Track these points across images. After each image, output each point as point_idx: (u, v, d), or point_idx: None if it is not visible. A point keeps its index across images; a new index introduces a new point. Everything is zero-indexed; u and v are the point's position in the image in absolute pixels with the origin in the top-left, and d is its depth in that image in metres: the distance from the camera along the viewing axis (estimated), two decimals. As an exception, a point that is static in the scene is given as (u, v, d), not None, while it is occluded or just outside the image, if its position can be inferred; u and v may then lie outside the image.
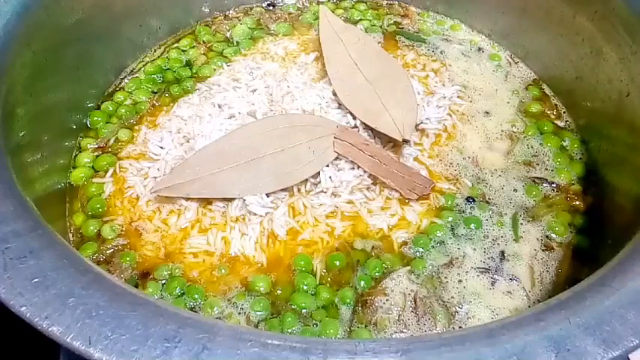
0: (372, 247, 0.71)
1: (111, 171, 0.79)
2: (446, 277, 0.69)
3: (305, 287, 0.67)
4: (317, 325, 0.65)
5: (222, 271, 0.69)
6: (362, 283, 0.68)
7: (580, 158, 0.83)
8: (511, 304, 0.68)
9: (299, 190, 0.75)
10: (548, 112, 0.89)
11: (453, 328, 0.65)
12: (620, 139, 0.75)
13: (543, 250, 0.73)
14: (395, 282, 0.69)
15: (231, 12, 1.04)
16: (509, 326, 0.45)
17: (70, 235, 0.73)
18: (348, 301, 0.66)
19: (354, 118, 0.80)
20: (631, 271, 0.49)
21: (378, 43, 0.96)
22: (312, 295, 0.67)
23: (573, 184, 0.79)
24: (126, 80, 0.91)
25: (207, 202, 0.74)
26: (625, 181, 0.72)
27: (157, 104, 0.88)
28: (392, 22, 1.02)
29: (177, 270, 0.69)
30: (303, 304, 0.66)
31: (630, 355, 0.45)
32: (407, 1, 1.06)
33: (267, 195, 0.73)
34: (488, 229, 0.74)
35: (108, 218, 0.74)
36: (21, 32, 0.67)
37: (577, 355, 0.42)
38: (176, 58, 0.95)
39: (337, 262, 0.69)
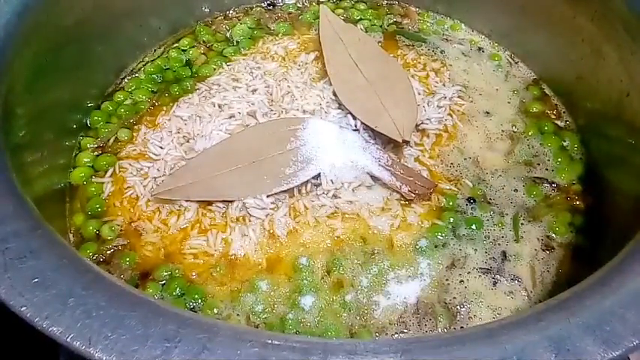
0: (373, 248, 0.71)
1: (110, 171, 0.79)
2: (447, 278, 0.69)
3: (305, 288, 0.67)
4: (317, 326, 0.65)
5: (223, 271, 0.69)
6: (363, 284, 0.68)
7: (580, 158, 0.83)
8: (512, 304, 0.68)
9: (299, 191, 0.75)
10: (549, 112, 0.89)
11: (455, 328, 0.65)
12: (620, 139, 0.75)
13: (544, 250, 0.73)
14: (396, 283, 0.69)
15: (231, 12, 1.04)
16: (509, 326, 0.45)
17: (70, 235, 0.73)
18: (349, 302, 0.66)
19: (354, 118, 0.80)
20: (631, 271, 0.49)
21: (378, 43, 0.96)
22: (313, 296, 0.67)
23: (573, 184, 0.79)
24: (126, 80, 0.91)
25: (207, 202, 0.74)
26: (625, 181, 0.72)
27: (156, 104, 0.88)
28: (392, 22, 1.02)
29: (177, 270, 0.69)
30: (304, 306, 0.66)
31: (630, 355, 0.45)
32: (407, 1, 1.05)
33: (268, 196, 0.73)
34: (490, 230, 0.74)
35: (107, 218, 0.74)
36: (21, 32, 0.67)
37: (577, 355, 0.42)
38: (176, 57, 0.94)
39: (338, 263, 0.69)
